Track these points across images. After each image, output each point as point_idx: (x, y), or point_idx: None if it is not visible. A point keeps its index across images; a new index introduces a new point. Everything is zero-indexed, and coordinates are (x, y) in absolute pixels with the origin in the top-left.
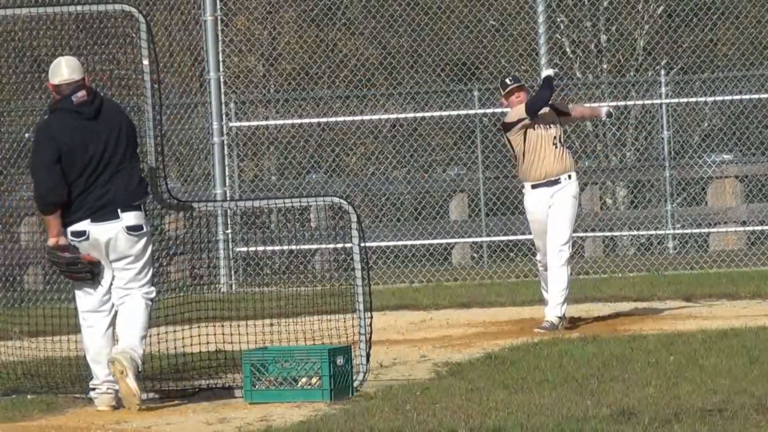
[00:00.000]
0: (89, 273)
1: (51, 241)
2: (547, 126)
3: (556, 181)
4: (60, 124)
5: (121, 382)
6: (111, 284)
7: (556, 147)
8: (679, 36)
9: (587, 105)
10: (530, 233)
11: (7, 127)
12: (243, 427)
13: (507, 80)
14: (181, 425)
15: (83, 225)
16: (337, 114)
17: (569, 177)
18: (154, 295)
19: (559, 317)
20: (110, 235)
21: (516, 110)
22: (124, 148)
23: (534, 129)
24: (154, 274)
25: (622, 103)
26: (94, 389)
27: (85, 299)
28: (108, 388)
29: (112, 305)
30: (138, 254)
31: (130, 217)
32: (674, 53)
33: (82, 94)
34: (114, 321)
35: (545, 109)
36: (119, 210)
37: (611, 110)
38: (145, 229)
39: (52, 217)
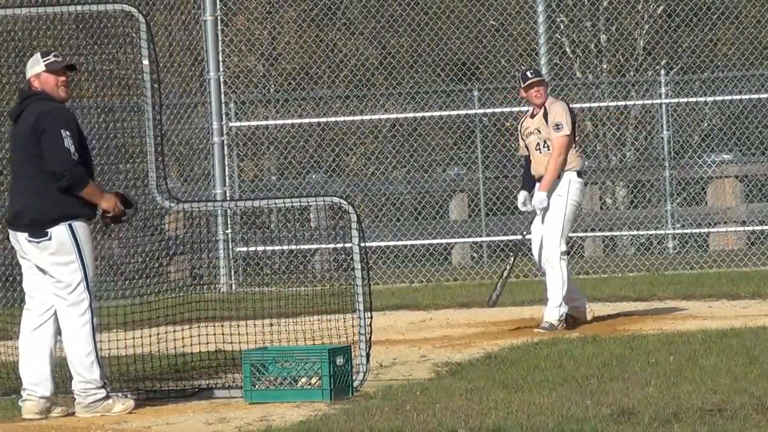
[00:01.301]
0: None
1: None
2: (532, 133)
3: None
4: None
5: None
6: (34, 286)
7: (540, 152)
8: (678, 36)
9: (546, 176)
10: (530, 233)
11: (7, 127)
12: (243, 427)
13: (528, 73)
14: (181, 425)
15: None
16: (336, 114)
17: (559, 176)
18: (86, 305)
19: (558, 319)
20: (18, 241)
21: (524, 124)
22: (23, 161)
23: (525, 138)
24: (88, 282)
25: (622, 103)
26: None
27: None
28: (29, 394)
29: (44, 308)
30: (49, 262)
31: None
32: (674, 53)
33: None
34: (43, 325)
35: (534, 118)
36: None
37: (528, 202)
38: (48, 237)
39: None
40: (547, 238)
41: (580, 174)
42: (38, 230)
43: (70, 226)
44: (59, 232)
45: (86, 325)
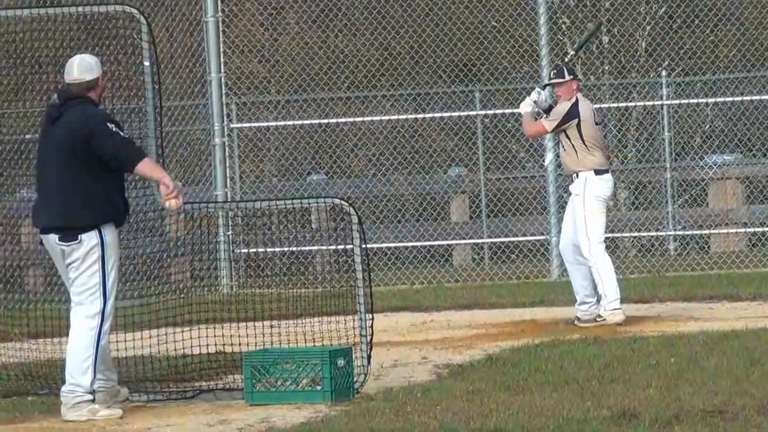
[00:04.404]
0: None
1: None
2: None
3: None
4: (41, 122)
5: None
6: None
7: (564, 149)
8: (680, 38)
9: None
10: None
11: (8, 129)
12: (244, 429)
13: (552, 73)
14: (182, 426)
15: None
16: (338, 115)
17: (576, 176)
18: (97, 309)
19: (613, 311)
20: (49, 244)
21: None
22: (65, 164)
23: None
24: (106, 287)
25: (624, 104)
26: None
27: None
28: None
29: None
30: (75, 264)
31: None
32: (675, 55)
33: (55, 97)
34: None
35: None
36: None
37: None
38: (79, 240)
39: None
40: (579, 239)
41: (598, 172)
42: (70, 234)
43: (100, 231)
44: (90, 237)
45: (92, 330)
